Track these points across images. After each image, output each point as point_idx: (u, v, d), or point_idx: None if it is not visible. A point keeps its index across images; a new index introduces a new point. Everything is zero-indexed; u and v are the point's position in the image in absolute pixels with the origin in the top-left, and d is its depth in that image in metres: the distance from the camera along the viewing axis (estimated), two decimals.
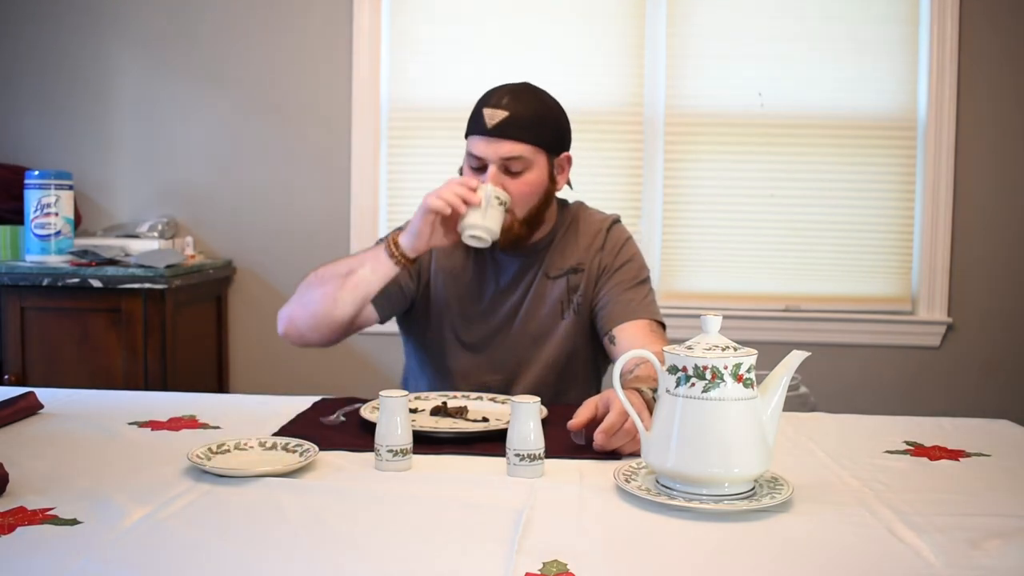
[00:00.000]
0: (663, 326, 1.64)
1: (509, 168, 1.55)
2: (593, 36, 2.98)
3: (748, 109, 2.96)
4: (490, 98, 1.57)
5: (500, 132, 1.53)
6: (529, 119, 1.55)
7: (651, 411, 1.16)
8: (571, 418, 1.25)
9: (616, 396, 1.13)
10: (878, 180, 2.97)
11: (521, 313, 1.66)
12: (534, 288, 1.67)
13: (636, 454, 1.16)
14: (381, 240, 1.59)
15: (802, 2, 2.94)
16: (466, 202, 1.48)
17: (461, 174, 1.65)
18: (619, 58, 2.97)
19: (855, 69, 2.94)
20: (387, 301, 1.63)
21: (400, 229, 1.60)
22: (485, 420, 1.35)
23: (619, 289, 1.65)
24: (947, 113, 2.89)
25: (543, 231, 1.68)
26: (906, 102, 2.94)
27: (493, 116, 1.54)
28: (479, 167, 1.57)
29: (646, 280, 1.69)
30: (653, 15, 2.96)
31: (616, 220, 1.75)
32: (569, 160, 1.66)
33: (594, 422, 1.21)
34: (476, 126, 1.56)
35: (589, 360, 1.72)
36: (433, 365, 1.72)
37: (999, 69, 2.90)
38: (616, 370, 1.08)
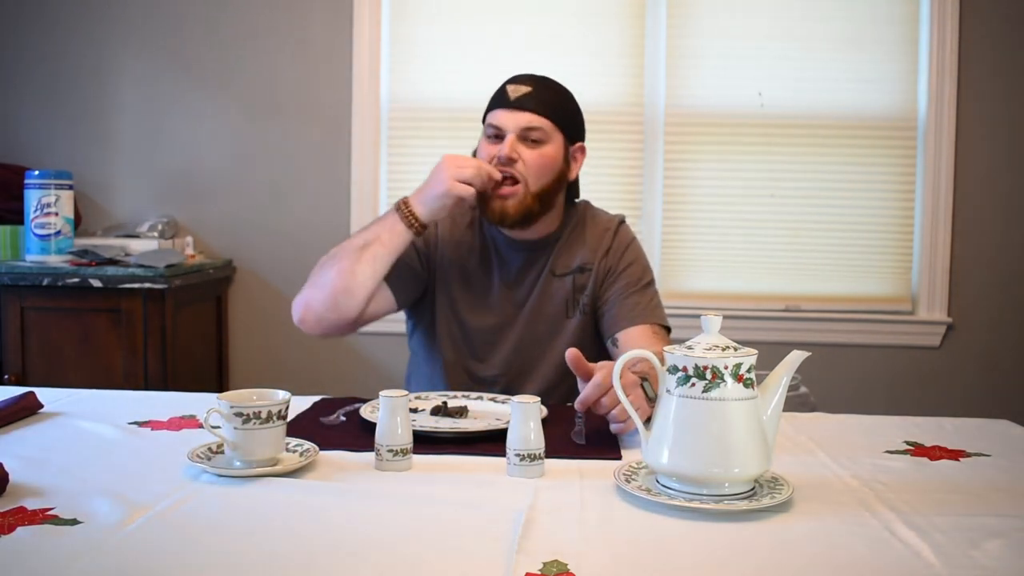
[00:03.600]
0: (668, 330, 1.64)
1: (527, 137, 1.59)
2: (593, 36, 2.98)
3: (748, 109, 2.96)
4: (514, 79, 1.64)
5: (520, 104, 1.59)
6: (550, 97, 1.62)
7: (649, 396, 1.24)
8: (571, 419, 1.26)
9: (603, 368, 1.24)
10: (878, 180, 2.97)
11: (526, 310, 1.66)
12: (540, 285, 1.66)
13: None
14: (385, 214, 1.59)
15: (802, 2, 2.94)
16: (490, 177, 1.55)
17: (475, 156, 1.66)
18: (619, 58, 2.97)
19: (855, 69, 2.93)
20: (403, 285, 1.63)
21: (406, 198, 1.57)
22: (485, 419, 1.35)
23: (623, 293, 1.64)
24: (947, 113, 2.89)
25: (550, 227, 1.68)
26: (906, 102, 2.94)
27: (516, 90, 1.60)
28: (496, 135, 1.60)
29: (651, 283, 1.69)
30: (653, 15, 2.96)
31: (622, 221, 1.75)
32: (583, 151, 1.69)
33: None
34: (498, 101, 1.62)
35: (596, 361, 1.71)
36: (437, 363, 1.71)
37: (999, 69, 2.90)
38: (616, 371, 1.08)
